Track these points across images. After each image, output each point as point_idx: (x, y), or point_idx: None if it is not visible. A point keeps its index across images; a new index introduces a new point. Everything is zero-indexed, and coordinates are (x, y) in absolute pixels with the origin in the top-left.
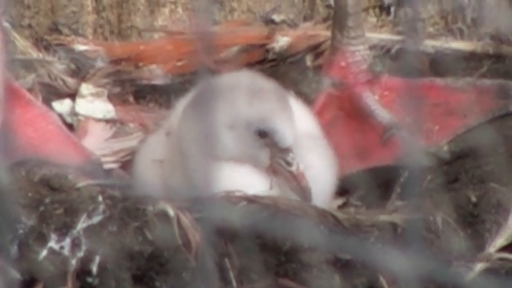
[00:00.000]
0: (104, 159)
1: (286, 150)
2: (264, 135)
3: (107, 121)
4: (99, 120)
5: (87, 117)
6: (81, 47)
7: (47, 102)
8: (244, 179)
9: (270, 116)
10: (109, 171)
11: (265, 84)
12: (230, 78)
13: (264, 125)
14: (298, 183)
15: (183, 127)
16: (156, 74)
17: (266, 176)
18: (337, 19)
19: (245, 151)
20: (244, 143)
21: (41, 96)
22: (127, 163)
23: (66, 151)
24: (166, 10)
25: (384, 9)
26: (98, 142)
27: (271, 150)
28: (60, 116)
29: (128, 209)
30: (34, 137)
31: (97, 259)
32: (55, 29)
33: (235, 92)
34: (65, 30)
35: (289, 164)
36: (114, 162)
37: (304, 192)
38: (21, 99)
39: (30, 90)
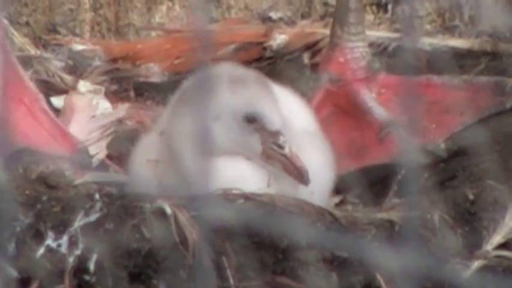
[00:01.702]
0: (92, 135)
1: (276, 134)
2: (252, 120)
3: (91, 98)
4: (83, 94)
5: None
6: (78, 47)
7: (45, 98)
8: (240, 175)
9: (255, 100)
10: (104, 165)
11: (246, 72)
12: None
13: (251, 109)
14: (293, 164)
15: (173, 126)
16: (154, 71)
17: (262, 171)
18: (338, 15)
19: (236, 140)
20: (234, 132)
21: None
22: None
23: (53, 140)
24: (163, 8)
25: (381, 7)
26: (84, 119)
27: (261, 136)
28: (58, 111)
29: (125, 207)
30: (23, 124)
31: (94, 257)
32: (53, 29)
33: (217, 84)
34: (63, 31)
35: (281, 147)
36: (100, 137)
37: (301, 173)
38: (14, 77)
39: None
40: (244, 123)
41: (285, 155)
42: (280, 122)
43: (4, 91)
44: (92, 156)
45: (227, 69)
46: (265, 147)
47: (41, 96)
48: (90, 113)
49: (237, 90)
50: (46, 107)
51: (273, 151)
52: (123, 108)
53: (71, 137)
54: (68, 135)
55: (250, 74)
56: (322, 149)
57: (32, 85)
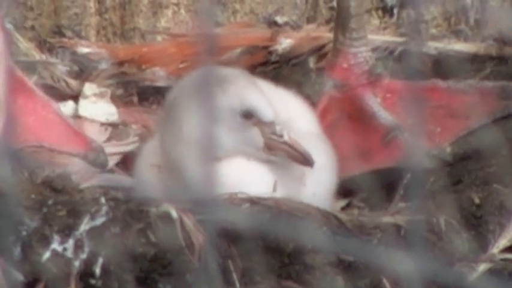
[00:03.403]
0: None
1: (272, 124)
2: (249, 115)
3: (102, 123)
4: (94, 121)
5: (90, 120)
6: (84, 50)
7: None
8: (244, 179)
9: (247, 94)
10: (109, 170)
11: (229, 70)
12: (194, 78)
13: (246, 104)
14: (295, 150)
15: (169, 138)
16: (159, 75)
17: (266, 175)
18: (340, 20)
19: (239, 139)
20: (234, 131)
21: None
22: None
23: (67, 140)
24: (169, 12)
25: (387, 11)
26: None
27: (260, 129)
28: None
29: (131, 211)
30: (35, 126)
31: (100, 261)
32: (58, 32)
33: (210, 88)
34: (68, 33)
35: (279, 135)
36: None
37: (304, 157)
38: (23, 88)
39: None
40: (242, 120)
41: (285, 142)
42: (272, 112)
43: (14, 103)
44: (106, 155)
45: (211, 73)
46: (266, 138)
47: (52, 102)
48: (99, 138)
49: (227, 89)
50: (58, 110)
51: (273, 141)
52: (133, 141)
53: (85, 137)
54: (82, 135)
55: (233, 72)
56: (325, 151)
57: (42, 94)
